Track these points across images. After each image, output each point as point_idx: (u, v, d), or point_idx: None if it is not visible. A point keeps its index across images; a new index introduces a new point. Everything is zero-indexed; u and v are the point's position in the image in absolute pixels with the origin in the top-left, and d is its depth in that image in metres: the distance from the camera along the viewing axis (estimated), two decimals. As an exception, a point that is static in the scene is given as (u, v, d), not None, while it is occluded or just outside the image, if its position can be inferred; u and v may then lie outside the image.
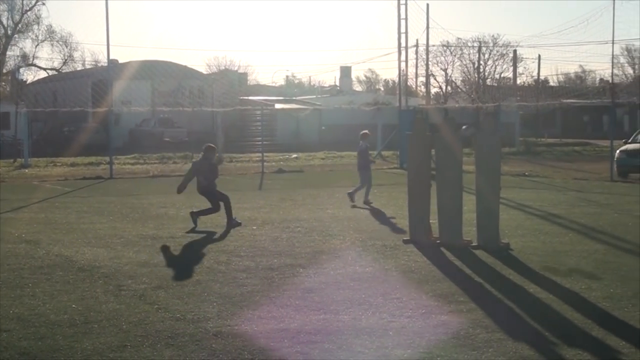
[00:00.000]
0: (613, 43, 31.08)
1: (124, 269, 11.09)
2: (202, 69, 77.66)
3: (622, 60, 77.79)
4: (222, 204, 15.56)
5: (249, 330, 7.80)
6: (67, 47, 60.87)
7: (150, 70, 50.19)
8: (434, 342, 7.38)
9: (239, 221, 15.58)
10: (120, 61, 54.12)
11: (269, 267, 11.13)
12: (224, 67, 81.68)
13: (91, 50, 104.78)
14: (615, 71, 64.80)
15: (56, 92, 55.28)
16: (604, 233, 14.28)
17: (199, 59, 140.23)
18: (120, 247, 12.96)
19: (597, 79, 77.71)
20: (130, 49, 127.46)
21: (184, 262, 11.52)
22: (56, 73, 61.28)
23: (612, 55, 33.33)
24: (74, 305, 8.89)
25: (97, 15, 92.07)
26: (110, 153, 31.02)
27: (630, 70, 79.74)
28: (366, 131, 20.56)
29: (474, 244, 12.67)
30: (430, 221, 13.39)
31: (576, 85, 75.97)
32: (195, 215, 15.39)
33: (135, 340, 7.50)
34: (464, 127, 12.78)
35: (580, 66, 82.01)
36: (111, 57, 32.94)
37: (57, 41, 60.13)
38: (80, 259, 11.81)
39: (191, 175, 15.95)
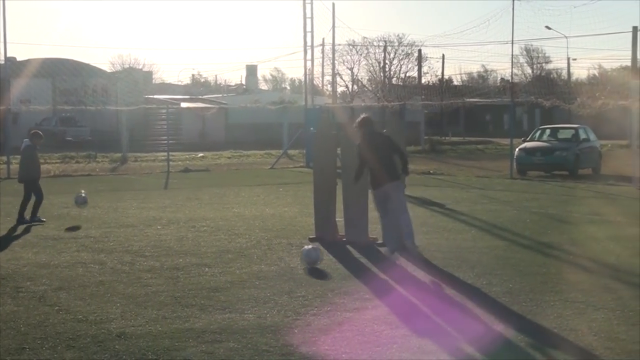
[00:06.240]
0: (512, 43, 31.93)
1: (22, 270, 10.80)
2: (106, 67, 76.38)
3: (521, 60, 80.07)
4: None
5: (153, 331, 7.70)
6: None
7: (51, 68, 48.99)
8: (339, 339, 7.43)
9: (43, 219, 15.93)
10: (19, 59, 52.66)
11: (174, 266, 11.01)
12: (128, 66, 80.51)
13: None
14: (515, 71, 66.67)
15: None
16: (504, 229, 14.64)
17: (103, 57, 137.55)
18: (19, 249, 12.61)
19: (499, 78, 79.69)
20: (31, 47, 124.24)
21: (86, 263, 11.28)
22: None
23: (512, 55, 34.09)
24: (-31, 309, 8.60)
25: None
26: (7, 153, 30.05)
27: (529, 70, 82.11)
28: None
29: (379, 242, 12.80)
30: (337, 219, 13.48)
31: (479, 84, 77.65)
32: (34, 218, 15.87)
33: (34, 342, 7.31)
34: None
35: (483, 66, 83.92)
36: (9, 55, 32.04)
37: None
38: (-23, 262, 11.43)
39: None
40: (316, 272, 10.58)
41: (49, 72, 49.24)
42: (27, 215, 15.91)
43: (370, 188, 12.02)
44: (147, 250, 12.34)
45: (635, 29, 48.54)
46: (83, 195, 17.60)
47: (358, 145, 11.78)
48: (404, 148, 12.03)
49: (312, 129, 13.64)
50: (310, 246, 11.34)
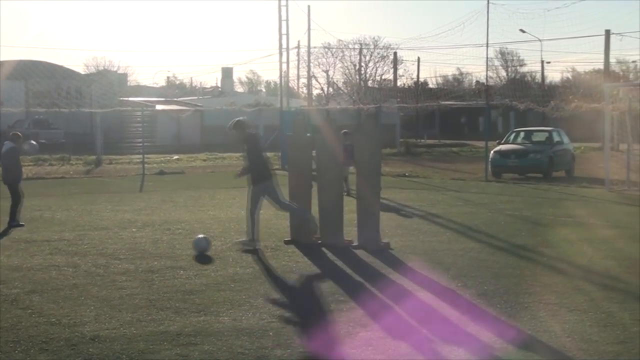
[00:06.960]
0: (487, 46, 32.18)
1: (-5, 274, 10.70)
2: (80, 69, 75.96)
3: (496, 63, 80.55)
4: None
5: (128, 334, 7.66)
6: None
7: (25, 70, 48.62)
8: (315, 341, 7.43)
9: (22, 223, 15.52)
10: (-10, 61, 52.19)
11: (149, 269, 10.96)
12: (102, 68, 79.99)
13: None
14: (490, 73, 67.02)
15: None
16: (478, 232, 14.71)
17: (77, 59, 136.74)
18: (-8, 252, 12.50)
19: (474, 81, 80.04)
20: (4, 49, 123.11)
21: (60, 266, 11.19)
22: None
23: (487, 58, 34.30)
24: (-59, 313, 8.51)
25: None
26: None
27: (503, 73, 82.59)
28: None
29: (354, 244, 12.82)
30: (312, 221, 13.46)
31: (454, 87, 77.93)
32: (13, 222, 15.39)
33: (6, 346, 7.25)
34: (344, 131, 13.21)
35: (458, 68, 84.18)
36: (-18, 57, 31.80)
37: None
38: (-52, 265, 11.32)
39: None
40: (292, 275, 10.58)
41: (22, 74, 48.88)
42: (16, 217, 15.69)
43: (251, 184, 13.31)
44: (122, 253, 12.28)
45: (607, 32, 49.06)
46: (33, 143, 17.49)
47: (244, 147, 13.03)
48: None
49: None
50: (201, 235, 12.63)
